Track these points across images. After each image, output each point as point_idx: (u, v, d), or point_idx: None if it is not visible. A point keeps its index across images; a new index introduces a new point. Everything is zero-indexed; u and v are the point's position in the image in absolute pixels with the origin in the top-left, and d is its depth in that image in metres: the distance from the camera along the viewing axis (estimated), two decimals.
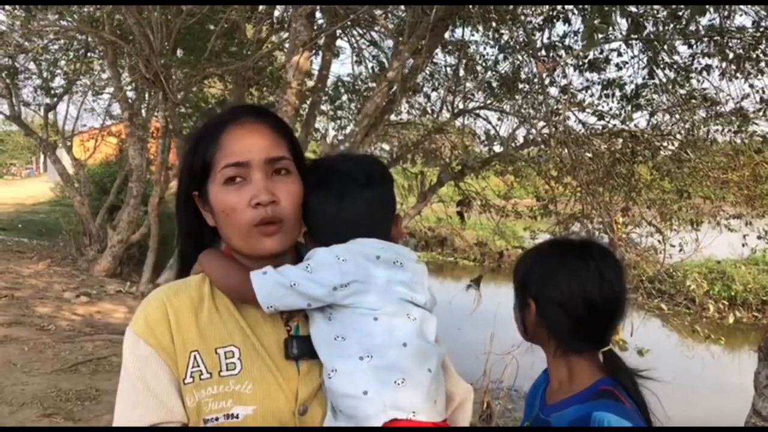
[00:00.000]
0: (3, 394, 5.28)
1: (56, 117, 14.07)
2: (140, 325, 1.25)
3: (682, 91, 6.13)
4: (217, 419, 1.18)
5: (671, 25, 5.52)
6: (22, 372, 5.81)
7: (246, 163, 1.23)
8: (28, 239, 15.58)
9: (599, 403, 1.37)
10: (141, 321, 1.25)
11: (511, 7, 5.38)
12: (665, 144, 6.44)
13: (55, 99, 13.25)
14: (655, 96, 6.39)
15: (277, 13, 8.15)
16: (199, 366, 1.21)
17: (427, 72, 7.28)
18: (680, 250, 6.72)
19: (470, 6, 5.20)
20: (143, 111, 11.51)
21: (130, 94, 11.18)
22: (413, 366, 1.20)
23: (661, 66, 5.99)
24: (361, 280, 1.22)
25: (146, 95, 11.28)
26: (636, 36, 5.54)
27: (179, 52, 9.03)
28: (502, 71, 6.73)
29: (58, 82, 13.19)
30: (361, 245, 1.26)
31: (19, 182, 43.42)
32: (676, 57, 5.99)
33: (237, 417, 1.18)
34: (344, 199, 1.29)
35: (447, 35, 6.35)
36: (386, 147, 10.04)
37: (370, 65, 8.16)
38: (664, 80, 6.01)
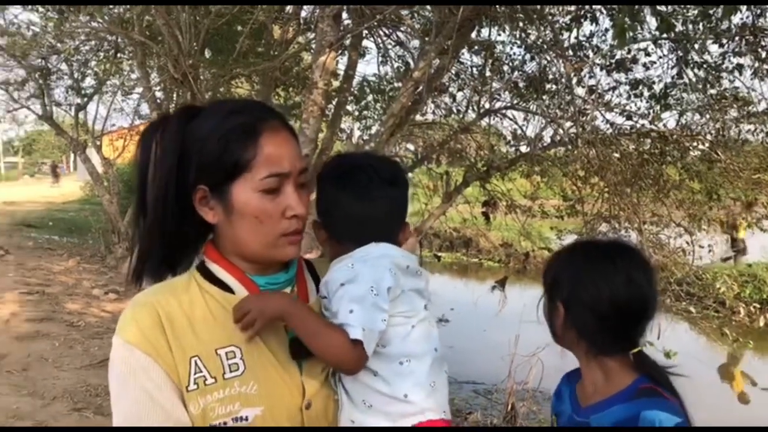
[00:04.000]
0: (36, 388, 5.40)
1: (86, 117, 14.32)
2: (132, 333, 1.18)
3: (712, 91, 6.04)
4: (225, 423, 1.16)
5: (702, 24, 5.44)
6: (53, 367, 5.93)
7: (286, 173, 1.22)
8: (59, 237, 15.85)
9: (647, 402, 1.37)
10: (132, 328, 1.19)
11: (538, 7, 5.34)
12: (695, 144, 6.34)
13: (86, 99, 13.47)
14: (684, 95, 6.30)
15: (304, 13, 8.18)
16: (201, 371, 1.18)
17: (453, 72, 7.25)
18: (710, 252, 6.63)
19: (497, 6, 5.17)
20: (171, 111, 11.64)
21: (158, 94, 11.31)
22: (439, 369, 1.28)
23: (691, 65, 5.91)
24: (398, 290, 1.24)
25: (174, 95, 11.38)
26: (666, 36, 5.47)
27: (207, 53, 9.12)
28: (529, 71, 6.68)
29: (89, 82, 13.44)
30: (395, 256, 1.28)
31: (49, 181, 44.15)
32: (706, 56, 5.90)
33: (246, 419, 1.17)
34: (367, 195, 1.30)
35: (473, 35, 6.32)
36: (411, 147, 10.03)
37: (395, 65, 8.16)
38: (694, 80, 5.93)
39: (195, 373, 1.18)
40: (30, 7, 9.81)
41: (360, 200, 1.31)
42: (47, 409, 5.02)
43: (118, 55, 11.93)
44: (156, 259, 1.31)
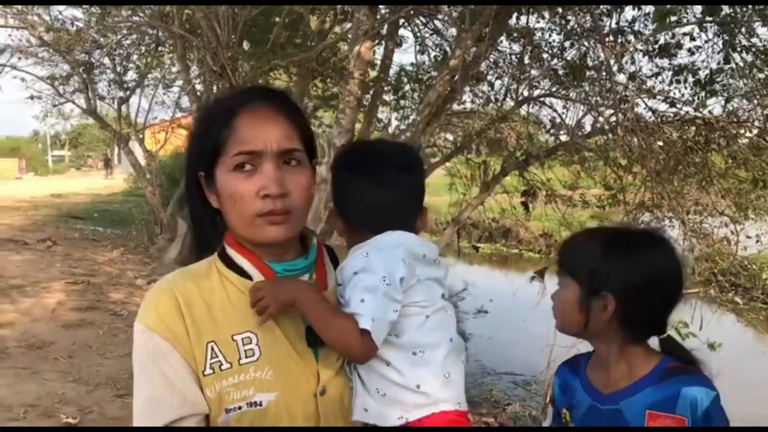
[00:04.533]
0: (80, 375, 5.54)
1: (129, 110, 14.55)
2: (152, 319, 1.21)
3: (760, 76, 5.85)
4: (240, 408, 1.17)
5: (749, 6, 5.26)
6: (97, 354, 6.08)
7: (258, 152, 1.20)
8: (103, 228, 16.22)
9: (686, 379, 1.40)
10: (152, 314, 1.21)
11: None
12: (742, 131, 6.15)
13: (128, 92, 13.69)
14: (731, 81, 6.11)
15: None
16: (217, 356, 1.20)
17: (492, 60, 7.17)
18: (757, 241, 6.44)
19: None
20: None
21: (198, 86, 11.44)
22: (455, 360, 1.26)
23: (738, 49, 5.72)
24: (413, 280, 1.23)
25: (214, 88, 11.51)
26: (711, 19, 5.31)
27: (245, 45, 9.19)
28: (569, 58, 6.56)
29: (131, 75, 13.66)
30: (411, 245, 1.26)
31: (95, 173, 45.21)
32: (754, 39, 5.71)
33: (260, 405, 1.18)
34: (382, 180, 1.28)
35: (512, 22, 6.24)
36: (450, 137, 9.97)
37: (433, 54, 8.11)
38: (741, 64, 5.74)
39: (211, 358, 1.20)
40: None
41: (374, 187, 1.29)
42: (91, 395, 5.15)
43: (159, 48, 12.11)
44: (205, 240, 1.36)
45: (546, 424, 1.71)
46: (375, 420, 1.21)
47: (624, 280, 1.46)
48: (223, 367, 1.19)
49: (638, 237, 1.55)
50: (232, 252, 1.30)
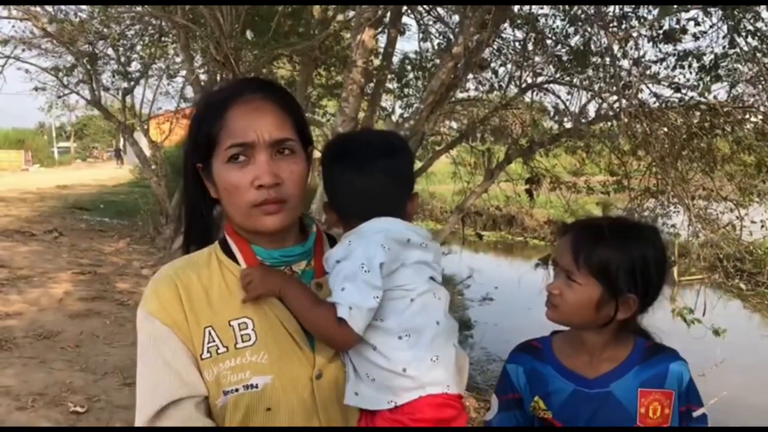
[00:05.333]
0: (88, 364, 5.59)
1: (133, 100, 14.55)
2: (153, 305, 1.27)
3: (766, 60, 5.80)
4: (237, 390, 1.21)
5: None
6: (104, 344, 6.12)
7: (250, 143, 1.23)
8: (109, 219, 16.27)
9: (669, 357, 1.56)
10: (153, 300, 1.28)
11: None
12: (747, 116, 6.12)
13: (132, 83, 13.69)
14: (736, 66, 6.07)
15: None
16: (215, 341, 1.24)
17: (495, 47, 7.14)
18: (762, 226, 6.42)
19: None
20: None
21: (202, 77, 11.43)
22: (444, 343, 1.27)
23: (743, 34, 5.68)
24: (397, 264, 1.24)
25: (218, 78, 11.50)
26: (715, 3, 5.27)
27: (248, 34, 9.17)
28: (573, 44, 6.53)
29: (135, 66, 13.63)
30: (393, 230, 1.27)
31: (101, 165, 45.31)
32: (759, 24, 5.67)
33: (256, 387, 1.21)
34: (364, 168, 1.30)
35: (515, 8, 6.20)
36: (454, 125, 9.94)
37: (436, 42, 8.07)
38: (746, 49, 5.70)
39: (208, 343, 1.24)
40: None
41: (357, 175, 1.30)
42: (99, 383, 5.20)
43: (163, 38, 12.08)
44: (194, 232, 1.40)
45: (491, 414, 1.67)
46: (366, 404, 1.23)
47: (645, 280, 1.51)
48: (219, 351, 1.23)
49: (646, 230, 1.58)
50: (229, 240, 1.34)
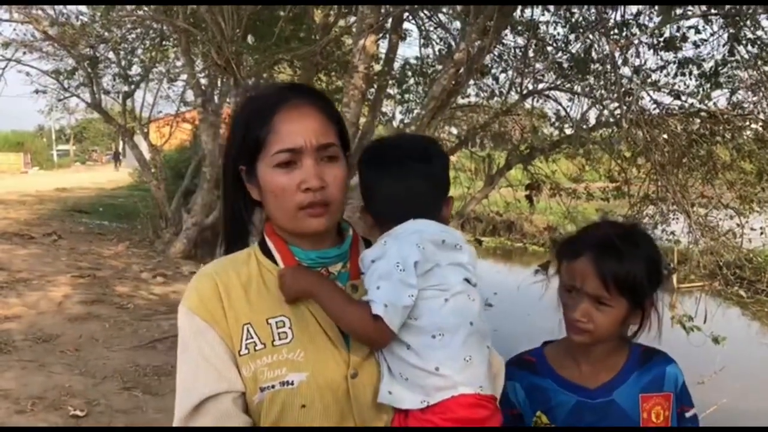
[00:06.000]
0: (87, 368, 5.57)
1: (134, 104, 14.56)
2: (193, 301, 1.30)
3: (765, 68, 5.82)
4: (273, 386, 1.24)
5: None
6: (104, 347, 6.10)
7: (299, 149, 1.27)
8: (108, 222, 16.23)
9: (664, 360, 1.58)
10: (194, 297, 1.31)
11: None
12: (747, 123, 6.14)
13: (133, 87, 13.71)
14: (736, 73, 6.09)
15: None
16: (252, 338, 1.27)
17: (496, 53, 7.16)
18: (761, 234, 6.42)
19: None
20: (216, 97, 11.78)
21: (203, 81, 11.46)
22: (478, 344, 1.28)
23: (743, 42, 5.70)
24: (431, 264, 1.25)
25: (218, 82, 11.54)
26: (716, 12, 5.29)
27: (250, 39, 9.19)
28: (573, 51, 6.55)
29: (135, 70, 13.66)
30: (428, 231, 1.28)
31: (100, 168, 45.27)
32: (759, 32, 5.69)
33: (292, 384, 1.23)
34: (398, 173, 1.32)
35: (516, 15, 6.23)
36: (454, 130, 9.96)
37: (437, 48, 8.09)
38: (746, 57, 5.72)
39: (246, 339, 1.27)
40: None
41: (393, 180, 1.33)
42: (98, 387, 5.18)
43: (164, 42, 12.11)
44: (233, 233, 1.44)
45: None
46: (399, 403, 1.23)
47: (658, 279, 1.54)
48: (257, 348, 1.26)
49: (639, 232, 1.62)
50: (268, 241, 1.38)
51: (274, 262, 1.35)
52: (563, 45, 6.63)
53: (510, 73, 7.23)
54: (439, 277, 1.25)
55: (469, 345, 1.25)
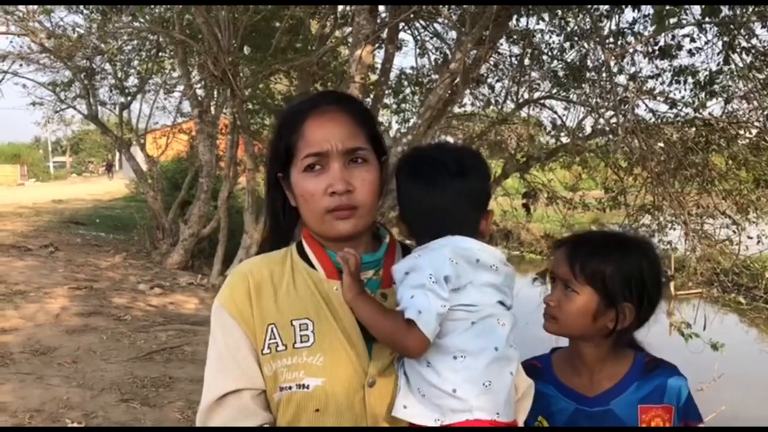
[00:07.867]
0: (85, 380, 5.54)
1: (130, 115, 14.55)
2: (225, 297, 1.36)
3: (760, 77, 5.86)
4: (290, 388, 1.27)
5: (749, 8, 5.27)
6: (101, 359, 6.07)
7: (325, 152, 1.30)
8: (105, 233, 16.17)
9: (667, 371, 1.54)
10: (226, 293, 1.36)
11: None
12: (742, 132, 6.16)
13: (129, 98, 13.70)
14: (731, 82, 6.12)
15: (341, 8, 8.20)
16: (275, 338, 1.30)
17: (492, 62, 7.19)
18: (758, 242, 6.44)
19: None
20: (212, 108, 11.78)
21: (199, 91, 11.46)
22: (500, 370, 1.25)
23: (738, 50, 5.73)
24: (463, 283, 1.23)
25: (215, 92, 11.55)
26: (710, 20, 5.33)
27: (246, 50, 9.21)
28: (569, 60, 6.58)
29: (132, 81, 13.68)
30: (462, 248, 1.26)
31: (96, 179, 45.19)
32: (754, 41, 5.72)
33: (307, 387, 1.26)
34: (434, 187, 1.31)
35: (511, 24, 6.26)
36: (450, 140, 9.98)
37: (433, 57, 8.13)
38: (741, 65, 5.75)
39: (269, 339, 1.31)
40: (74, 8, 10.04)
41: (426, 194, 1.31)
42: (96, 399, 5.15)
43: (160, 54, 12.13)
44: (274, 240, 1.48)
45: None
46: (412, 418, 1.22)
47: (641, 290, 1.51)
48: (279, 349, 1.29)
49: (641, 244, 1.59)
50: (305, 244, 1.41)
51: (310, 264, 1.37)
52: (559, 54, 6.67)
53: (506, 82, 7.26)
54: (470, 296, 1.23)
55: (491, 370, 1.22)
